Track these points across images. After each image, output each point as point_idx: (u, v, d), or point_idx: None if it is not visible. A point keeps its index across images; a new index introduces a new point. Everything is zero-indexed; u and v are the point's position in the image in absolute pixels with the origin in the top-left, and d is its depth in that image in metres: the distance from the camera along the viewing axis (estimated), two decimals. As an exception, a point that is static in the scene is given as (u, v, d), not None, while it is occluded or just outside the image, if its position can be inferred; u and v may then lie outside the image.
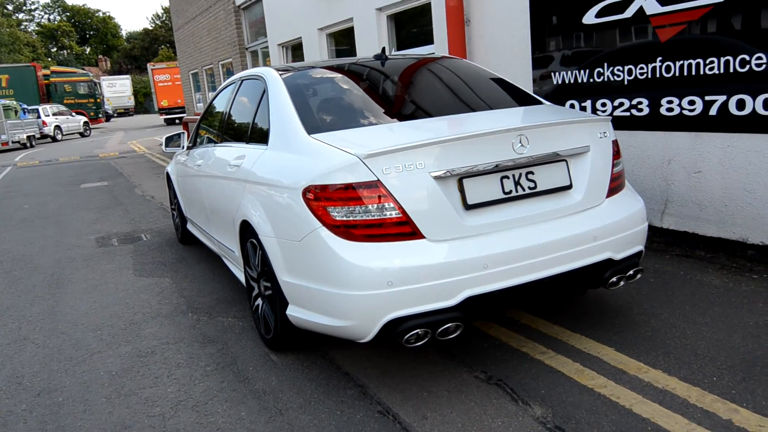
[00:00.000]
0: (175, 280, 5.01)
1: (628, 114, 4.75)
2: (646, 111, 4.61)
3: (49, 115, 27.46)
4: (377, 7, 7.91)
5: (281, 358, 3.38)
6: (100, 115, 37.24)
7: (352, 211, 2.65)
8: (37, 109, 27.03)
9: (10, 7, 77.53)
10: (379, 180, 2.63)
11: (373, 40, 8.09)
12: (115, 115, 48.41)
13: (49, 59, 73.98)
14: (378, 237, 2.65)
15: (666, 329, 3.29)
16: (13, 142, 22.99)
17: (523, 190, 2.88)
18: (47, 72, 36.00)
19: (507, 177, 2.85)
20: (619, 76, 4.76)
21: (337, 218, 2.67)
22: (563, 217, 2.94)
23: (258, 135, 3.59)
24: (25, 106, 26.40)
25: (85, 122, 30.51)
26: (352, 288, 2.62)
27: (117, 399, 3.07)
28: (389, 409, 2.77)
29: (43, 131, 26.60)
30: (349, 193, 2.64)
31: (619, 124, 4.84)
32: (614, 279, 3.06)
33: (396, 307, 2.61)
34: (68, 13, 79.53)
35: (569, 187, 2.99)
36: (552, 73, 5.37)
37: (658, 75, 4.46)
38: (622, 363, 2.98)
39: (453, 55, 4.21)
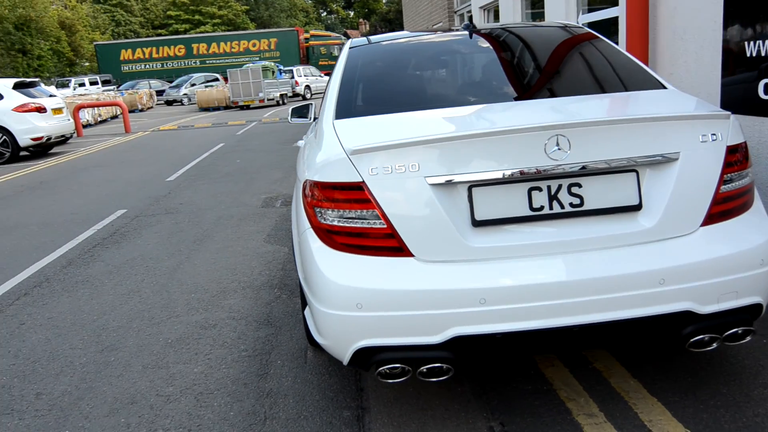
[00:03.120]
0: (293, 251, 5.07)
1: (839, 101, 3.44)
2: None
3: (301, 76, 30.29)
4: (567, -38, 6.94)
5: (316, 356, 3.17)
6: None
7: (335, 214, 2.28)
8: (292, 70, 29.98)
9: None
10: (364, 181, 2.21)
11: (560, 1, 7.15)
12: None
13: (319, 23, 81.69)
14: (359, 249, 2.25)
15: (787, 419, 2.32)
16: (268, 100, 25.86)
17: (561, 207, 2.20)
18: (307, 36, 39.69)
19: (538, 189, 2.19)
20: (832, 47, 3.44)
21: (321, 221, 2.32)
22: (619, 247, 2.18)
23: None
24: (281, 66, 29.48)
25: (333, 82, 33.03)
26: (323, 303, 2.28)
27: (150, 370, 3.17)
28: (369, 446, 2.40)
29: (295, 90, 29.46)
30: (334, 194, 2.28)
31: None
32: (701, 338, 2.22)
33: (367, 334, 2.20)
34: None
35: (637, 207, 2.21)
36: (746, 44, 4.12)
37: None
38: (686, 456, 2.17)
39: (573, 25, 3.41)
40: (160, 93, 33.43)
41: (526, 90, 2.89)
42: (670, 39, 5.02)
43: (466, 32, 3.30)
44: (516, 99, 2.71)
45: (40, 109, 13.06)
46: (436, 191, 2.17)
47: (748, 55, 4.11)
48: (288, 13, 76.08)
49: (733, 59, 4.29)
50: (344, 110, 2.77)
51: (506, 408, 2.55)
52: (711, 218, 2.24)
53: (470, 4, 11.28)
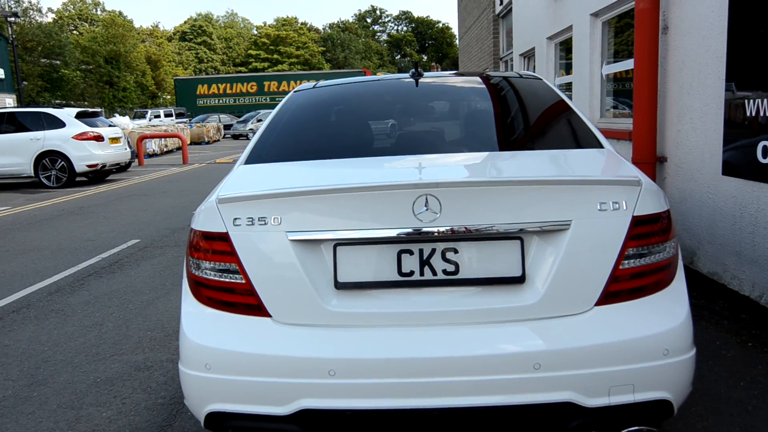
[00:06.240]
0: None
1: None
2: None
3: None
4: (592, 12, 6.70)
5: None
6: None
7: (203, 265, 2.15)
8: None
9: (369, 20, 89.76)
10: (227, 232, 2.08)
11: (586, 50, 6.90)
12: None
13: (392, 66, 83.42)
14: (220, 304, 2.10)
15: None
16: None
17: (434, 274, 1.98)
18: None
19: (409, 252, 1.99)
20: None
21: (192, 270, 2.20)
22: (494, 323, 1.94)
23: None
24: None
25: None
26: (180, 360, 2.14)
27: (62, 410, 3.10)
28: None
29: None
30: (202, 243, 2.15)
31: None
32: (591, 437, 1.92)
33: (215, 398, 2.03)
34: (413, 24, 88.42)
35: (519, 279, 1.96)
36: (746, 101, 3.77)
37: None
38: None
39: (528, 75, 3.17)
40: (228, 127, 34.75)
41: (434, 143, 2.71)
42: (678, 94, 4.69)
43: (412, 79, 3.15)
44: (417, 152, 2.52)
45: (98, 138, 13.76)
46: (297, 248, 2.00)
47: (748, 114, 3.75)
48: (363, 55, 78.22)
49: (733, 118, 3.93)
50: (256, 155, 2.67)
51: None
52: (609, 297, 1.96)
53: (512, 52, 11.14)
